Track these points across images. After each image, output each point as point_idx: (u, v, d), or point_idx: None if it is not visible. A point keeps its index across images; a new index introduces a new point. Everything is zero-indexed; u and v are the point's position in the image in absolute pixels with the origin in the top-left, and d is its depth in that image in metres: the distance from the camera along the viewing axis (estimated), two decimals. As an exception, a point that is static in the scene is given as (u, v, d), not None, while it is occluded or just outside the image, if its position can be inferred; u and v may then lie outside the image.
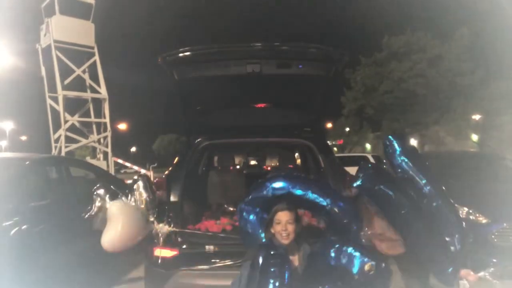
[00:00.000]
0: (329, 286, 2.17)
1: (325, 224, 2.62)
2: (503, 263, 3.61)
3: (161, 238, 2.78)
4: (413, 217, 2.40)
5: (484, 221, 3.98)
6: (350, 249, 2.26)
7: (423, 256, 2.42)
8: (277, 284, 2.08)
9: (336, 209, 2.49)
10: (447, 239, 2.32)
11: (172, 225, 2.86)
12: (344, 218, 2.50)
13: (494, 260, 3.64)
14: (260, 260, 2.20)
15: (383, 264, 2.24)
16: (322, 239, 2.50)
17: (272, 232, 2.35)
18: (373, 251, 2.34)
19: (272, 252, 2.23)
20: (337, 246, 2.30)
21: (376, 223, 2.62)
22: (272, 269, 2.13)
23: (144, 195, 2.74)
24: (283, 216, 2.31)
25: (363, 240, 2.44)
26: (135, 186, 2.76)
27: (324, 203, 2.51)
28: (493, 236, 3.87)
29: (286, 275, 2.13)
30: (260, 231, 2.53)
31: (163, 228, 2.79)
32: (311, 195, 2.54)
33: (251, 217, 2.62)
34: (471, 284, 2.31)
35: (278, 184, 2.56)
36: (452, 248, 2.32)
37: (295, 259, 2.36)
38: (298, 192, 2.53)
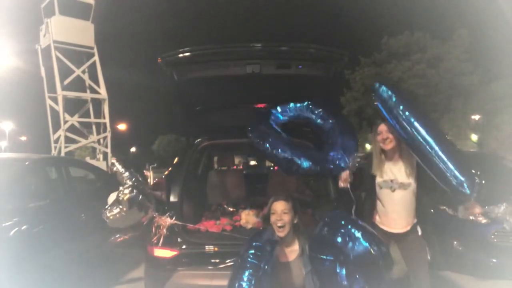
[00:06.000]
0: (332, 257, 2.10)
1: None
2: None
3: (164, 230, 2.76)
4: None
5: (484, 221, 3.97)
6: (356, 233, 2.15)
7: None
8: (247, 279, 2.02)
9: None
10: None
11: (174, 218, 2.85)
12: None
13: (494, 260, 3.64)
14: (243, 250, 2.19)
15: (383, 248, 2.15)
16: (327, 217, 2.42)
17: (270, 224, 2.35)
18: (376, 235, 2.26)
19: (251, 252, 2.14)
20: (343, 229, 2.19)
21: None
22: (247, 264, 2.08)
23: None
24: (278, 206, 2.34)
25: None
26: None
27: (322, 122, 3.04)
28: (493, 236, 3.86)
29: (261, 271, 2.06)
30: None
31: (165, 221, 2.77)
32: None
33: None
34: None
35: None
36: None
37: (290, 252, 2.34)
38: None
